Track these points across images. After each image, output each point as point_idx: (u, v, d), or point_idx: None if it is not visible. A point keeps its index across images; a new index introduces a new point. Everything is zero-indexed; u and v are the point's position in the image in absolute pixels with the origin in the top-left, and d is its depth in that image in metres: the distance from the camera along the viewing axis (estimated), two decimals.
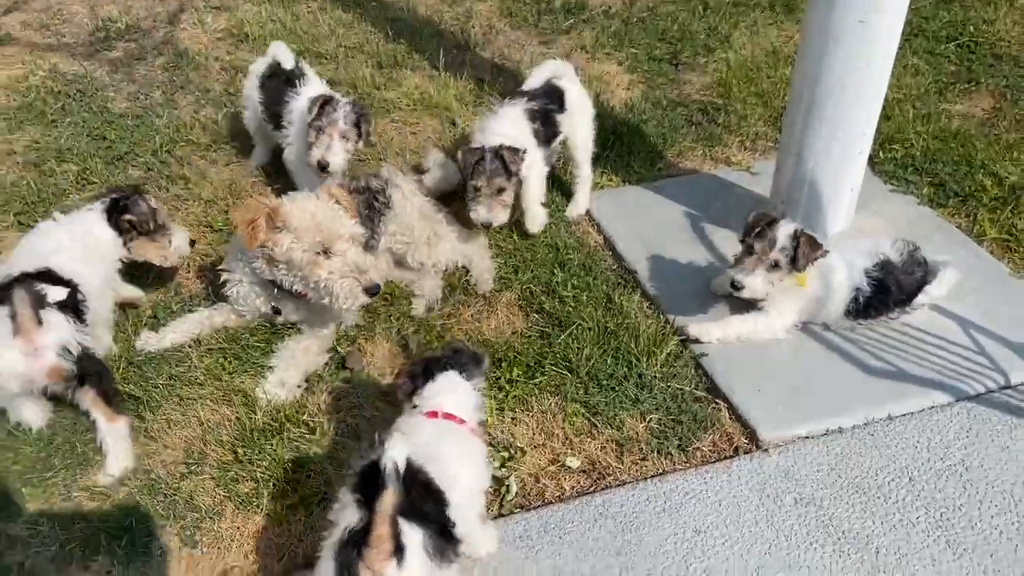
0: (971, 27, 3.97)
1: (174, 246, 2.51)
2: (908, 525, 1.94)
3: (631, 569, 1.86)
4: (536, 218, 2.76)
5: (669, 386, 2.31)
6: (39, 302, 2.05)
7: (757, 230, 2.28)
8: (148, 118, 3.41)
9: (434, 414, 1.80)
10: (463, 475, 1.71)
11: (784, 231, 2.26)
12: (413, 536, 1.49)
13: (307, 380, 2.36)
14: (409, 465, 1.55)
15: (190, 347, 2.44)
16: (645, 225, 2.89)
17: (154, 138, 3.27)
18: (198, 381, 2.33)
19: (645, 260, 2.73)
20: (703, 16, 4.21)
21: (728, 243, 2.76)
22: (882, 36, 2.36)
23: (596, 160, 3.13)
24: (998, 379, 2.29)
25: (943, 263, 2.49)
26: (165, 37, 3.99)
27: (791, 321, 2.43)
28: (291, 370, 2.34)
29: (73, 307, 2.15)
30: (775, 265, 2.27)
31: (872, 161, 3.12)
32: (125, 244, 2.44)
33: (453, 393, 1.83)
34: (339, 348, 2.45)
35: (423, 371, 1.85)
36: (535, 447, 2.18)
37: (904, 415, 2.20)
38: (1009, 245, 2.80)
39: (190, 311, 2.53)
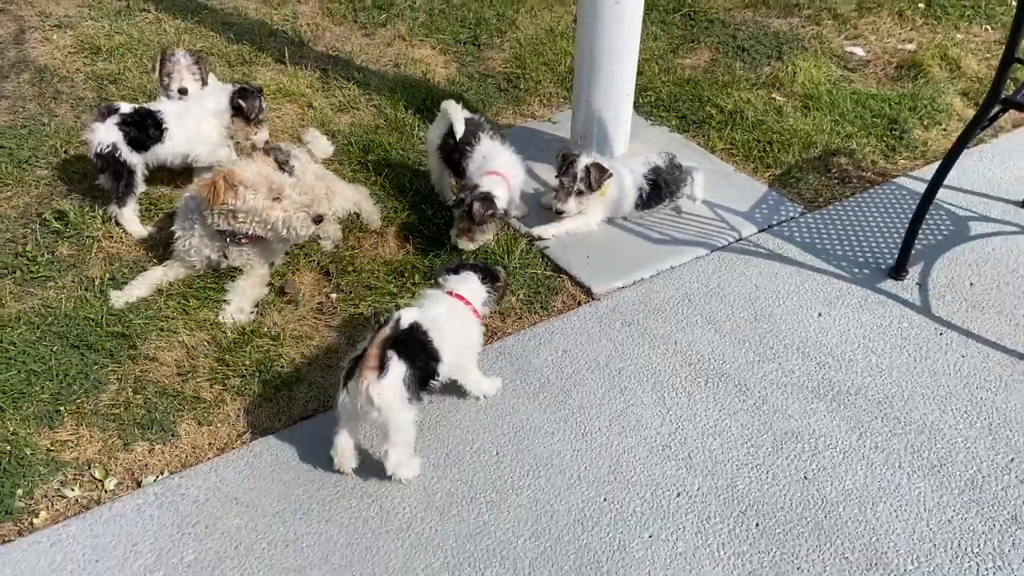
0: (689, 0, 5.24)
1: (258, 136, 3.49)
2: (691, 325, 3.01)
3: (528, 377, 2.79)
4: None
5: (527, 272, 3.25)
6: (109, 111, 3.21)
7: (563, 168, 3.26)
8: (35, 127, 3.84)
9: (449, 293, 2.60)
10: (458, 338, 2.51)
11: (580, 166, 3.24)
12: (398, 366, 2.24)
13: (257, 307, 3.06)
14: (417, 326, 2.34)
15: (154, 297, 3.06)
16: None
17: (47, 143, 3.74)
18: (171, 317, 2.97)
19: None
20: (491, 5, 5.17)
21: (546, 172, 3.74)
22: (630, 12, 3.41)
23: (434, 121, 4.05)
24: (734, 235, 3.45)
25: (693, 168, 3.61)
26: (18, 56, 4.35)
27: (601, 218, 3.45)
28: (244, 300, 3.04)
29: (136, 138, 3.25)
30: (579, 192, 3.27)
31: (634, 105, 4.23)
32: (231, 117, 3.42)
33: (466, 284, 2.63)
34: (273, 282, 3.17)
35: (455, 267, 2.66)
36: None
37: (680, 265, 3.29)
38: (732, 152, 4.00)
39: (144, 270, 3.14)
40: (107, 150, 3.18)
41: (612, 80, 3.55)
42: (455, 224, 3.26)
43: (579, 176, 3.23)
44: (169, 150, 3.36)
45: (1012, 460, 2.52)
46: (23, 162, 3.62)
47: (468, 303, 2.59)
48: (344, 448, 2.39)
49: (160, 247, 3.26)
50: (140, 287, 3.05)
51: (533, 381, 2.79)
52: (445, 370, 2.45)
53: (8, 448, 2.50)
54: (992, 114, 2.88)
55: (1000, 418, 2.66)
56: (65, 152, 3.71)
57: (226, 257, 3.09)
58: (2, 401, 2.63)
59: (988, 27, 5.07)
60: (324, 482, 2.45)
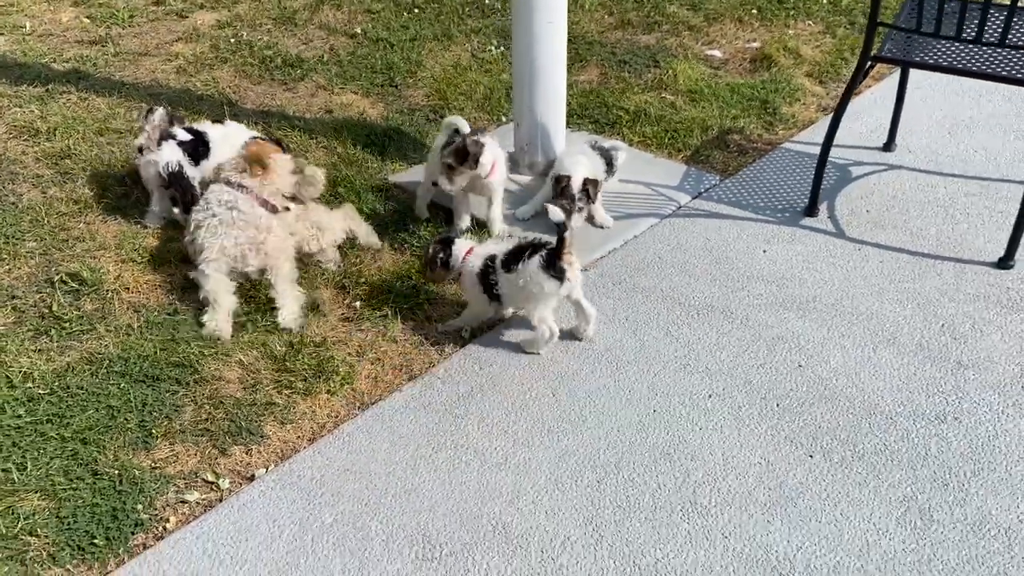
0: (570, 27, 5.91)
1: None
2: (668, 275, 3.57)
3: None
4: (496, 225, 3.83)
5: None
6: (168, 136, 3.77)
7: (561, 191, 3.64)
8: (5, 206, 3.90)
9: None
10: None
11: (576, 186, 3.64)
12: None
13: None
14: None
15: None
16: None
17: (25, 218, 3.82)
18: (219, 342, 3.19)
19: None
20: (393, 51, 5.64)
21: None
22: (560, 31, 4.00)
23: (383, 153, 4.47)
24: (675, 205, 4.07)
25: (615, 146, 4.18)
26: None
27: None
28: (294, 304, 3.33)
29: (192, 153, 3.81)
30: (582, 208, 3.72)
31: None
32: None
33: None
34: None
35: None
36: (461, 312, 3.43)
37: (641, 233, 3.85)
38: (646, 143, 4.64)
39: (173, 312, 3.33)
40: (176, 168, 3.70)
41: (549, 90, 4.11)
42: (441, 166, 3.59)
43: (578, 197, 3.65)
44: (210, 167, 3.85)
45: (943, 325, 3.23)
46: (10, 237, 3.68)
47: None
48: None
49: (177, 290, 3.45)
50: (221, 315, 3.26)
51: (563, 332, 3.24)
52: None
53: (116, 472, 2.65)
54: (866, 69, 3.65)
55: (923, 299, 3.37)
56: (48, 222, 3.81)
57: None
58: (93, 435, 2.77)
59: (810, 22, 6.08)
60: (419, 443, 2.78)
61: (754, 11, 6.19)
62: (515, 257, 3.04)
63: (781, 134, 4.74)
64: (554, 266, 2.96)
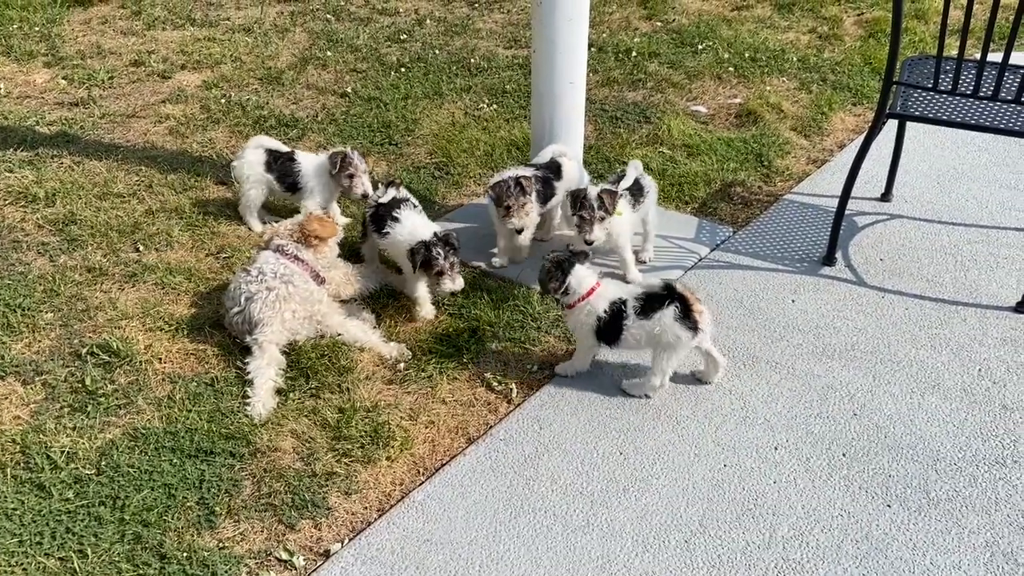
0: None
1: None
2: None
3: (609, 386, 3.22)
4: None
5: (552, 314, 3.68)
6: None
7: (579, 203, 3.71)
8: (14, 276, 3.70)
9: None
10: None
11: (592, 196, 3.65)
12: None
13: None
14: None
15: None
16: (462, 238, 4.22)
17: (38, 287, 3.62)
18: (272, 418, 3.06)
19: (476, 258, 4.08)
20: (387, 111, 5.63)
21: None
22: (579, 90, 4.07)
23: None
24: (696, 256, 4.13)
25: (638, 175, 4.18)
26: None
27: (631, 232, 3.92)
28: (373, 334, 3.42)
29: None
30: (601, 218, 3.74)
31: None
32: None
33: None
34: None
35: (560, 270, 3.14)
36: (506, 370, 3.39)
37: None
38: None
39: (208, 384, 3.18)
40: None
41: (570, 138, 4.19)
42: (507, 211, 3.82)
43: (595, 205, 3.60)
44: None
45: (979, 370, 3.33)
46: (26, 309, 3.49)
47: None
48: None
49: (211, 358, 3.32)
50: (263, 392, 3.12)
51: (616, 388, 3.22)
52: None
53: (184, 555, 2.50)
54: (881, 125, 3.81)
55: (955, 345, 3.48)
56: (63, 292, 3.63)
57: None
58: (154, 517, 2.61)
59: (784, 79, 6.33)
60: (496, 509, 2.70)
61: (731, 69, 6.42)
62: (651, 305, 3.07)
63: (780, 186, 4.87)
64: (689, 317, 3.02)
